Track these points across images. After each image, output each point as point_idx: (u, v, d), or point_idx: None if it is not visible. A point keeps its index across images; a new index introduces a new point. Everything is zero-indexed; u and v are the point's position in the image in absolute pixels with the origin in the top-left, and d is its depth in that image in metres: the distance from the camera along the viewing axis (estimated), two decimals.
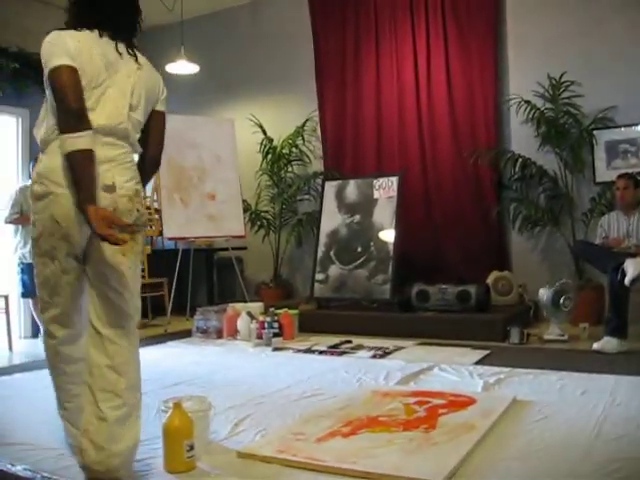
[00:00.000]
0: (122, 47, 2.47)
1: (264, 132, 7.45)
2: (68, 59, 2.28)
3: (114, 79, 2.41)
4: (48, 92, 2.39)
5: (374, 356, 4.66)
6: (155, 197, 7.26)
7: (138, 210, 2.42)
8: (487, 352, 4.62)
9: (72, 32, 2.38)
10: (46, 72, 2.32)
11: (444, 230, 6.62)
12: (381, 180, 6.36)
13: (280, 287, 7.42)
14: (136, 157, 2.61)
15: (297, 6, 7.50)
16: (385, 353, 4.74)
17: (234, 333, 5.67)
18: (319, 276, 6.44)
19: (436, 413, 2.97)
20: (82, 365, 2.42)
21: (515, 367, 4.01)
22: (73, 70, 2.28)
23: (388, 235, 6.16)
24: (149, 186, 6.90)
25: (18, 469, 2.46)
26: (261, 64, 7.81)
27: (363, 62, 7.09)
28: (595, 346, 4.51)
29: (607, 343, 4.48)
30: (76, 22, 2.44)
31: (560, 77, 6.04)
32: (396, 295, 5.93)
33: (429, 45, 6.68)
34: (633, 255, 4.66)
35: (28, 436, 2.85)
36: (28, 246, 5.84)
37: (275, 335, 5.25)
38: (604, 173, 5.97)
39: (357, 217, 6.41)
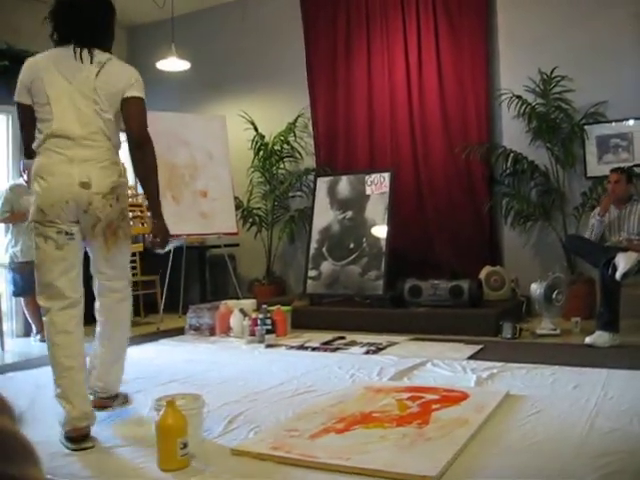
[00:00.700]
0: (85, 53, 2.80)
1: (256, 129, 7.44)
2: (24, 94, 2.84)
3: (77, 87, 2.77)
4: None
5: (367, 352, 4.66)
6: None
7: (111, 205, 2.79)
8: (480, 347, 4.63)
9: (37, 58, 2.86)
10: None
11: (436, 225, 6.63)
12: (373, 176, 6.36)
13: (273, 284, 7.42)
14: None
15: (288, 2, 7.49)
16: (378, 349, 4.74)
17: (227, 330, 5.66)
18: (312, 272, 6.44)
19: (429, 408, 2.98)
20: None
21: (508, 362, 4.02)
22: (24, 108, 2.86)
23: (380, 231, 6.16)
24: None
25: None
26: (252, 60, 7.79)
27: (354, 58, 7.08)
28: (587, 340, 4.53)
29: (599, 337, 4.50)
30: (52, 35, 2.89)
31: (551, 72, 6.05)
32: (389, 291, 5.93)
33: (420, 41, 6.68)
34: (624, 249, 4.68)
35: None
36: (19, 245, 5.82)
37: (268, 332, 5.24)
38: (595, 168, 5.99)
39: (349, 213, 6.41)
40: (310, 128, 7.42)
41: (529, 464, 2.29)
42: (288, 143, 7.44)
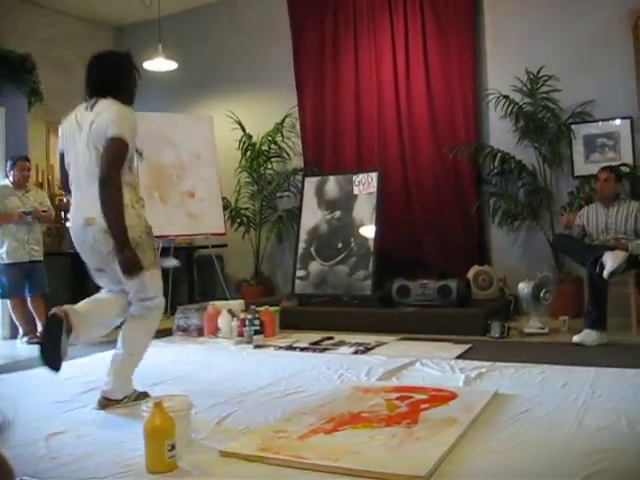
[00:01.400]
0: (91, 104, 3.25)
1: (243, 129, 7.42)
2: (60, 144, 3.38)
3: (82, 136, 3.21)
4: None
5: (356, 352, 4.66)
6: None
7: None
8: (468, 346, 4.64)
9: (68, 116, 3.37)
10: None
11: (424, 225, 6.63)
12: (361, 176, 6.36)
13: (261, 284, 7.40)
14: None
15: (275, 2, 7.47)
16: (367, 349, 4.74)
17: (215, 331, 5.64)
18: (300, 273, 6.43)
19: (418, 408, 2.97)
20: None
21: (496, 361, 4.02)
22: (61, 154, 3.37)
23: (368, 231, 6.16)
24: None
25: None
26: (239, 60, 7.78)
27: (342, 57, 7.08)
28: (575, 339, 4.54)
29: (587, 335, 4.51)
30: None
31: (538, 71, 6.07)
32: (377, 291, 5.93)
33: (407, 40, 6.69)
34: (612, 248, 4.70)
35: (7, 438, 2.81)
36: (5, 247, 5.78)
37: (256, 332, 5.23)
38: (582, 167, 6.01)
39: (337, 213, 6.41)
40: (298, 128, 7.41)
41: (518, 463, 2.29)
42: (276, 143, 7.42)
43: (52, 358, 3.00)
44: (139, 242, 3.17)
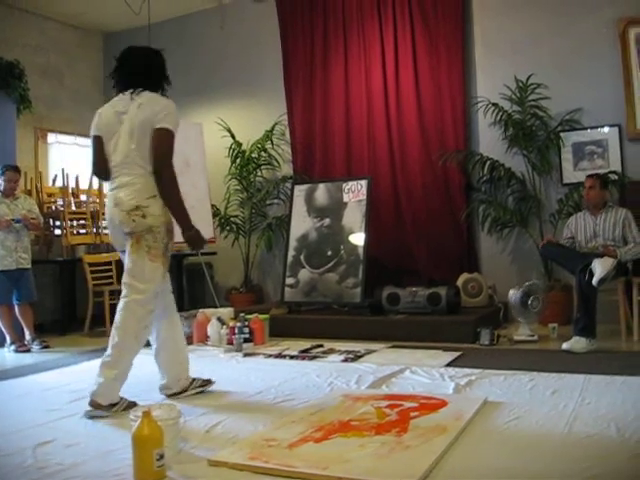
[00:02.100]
0: (133, 95, 3.39)
1: (233, 136, 7.42)
2: (95, 130, 3.50)
3: (123, 125, 3.36)
4: None
5: (345, 360, 4.64)
6: None
7: (134, 220, 3.29)
8: (458, 354, 4.63)
9: (105, 106, 3.52)
10: None
11: (414, 233, 6.63)
12: (350, 183, 6.36)
13: (250, 292, 7.39)
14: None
15: (265, 10, 7.49)
16: (356, 357, 4.73)
17: (204, 339, 5.62)
18: (289, 280, 6.42)
19: (408, 416, 2.97)
20: None
21: (486, 368, 4.03)
22: (96, 138, 3.49)
23: (358, 238, 6.15)
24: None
25: None
26: (229, 68, 7.78)
27: (331, 66, 7.09)
28: (564, 346, 4.55)
29: (576, 343, 4.52)
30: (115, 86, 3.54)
31: (527, 79, 6.10)
32: (367, 298, 5.92)
33: (397, 48, 6.71)
34: (600, 255, 4.71)
35: None
36: None
37: (246, 340, 5.22)
38: (571, 174, 6.05)
39: (327, 221, 6.40)
40: (287, 136, 7.41)
41: (508, 470, 2.29)
42: (265, 151, 7.42)
43: None
44: (155, 231, 3.32)
